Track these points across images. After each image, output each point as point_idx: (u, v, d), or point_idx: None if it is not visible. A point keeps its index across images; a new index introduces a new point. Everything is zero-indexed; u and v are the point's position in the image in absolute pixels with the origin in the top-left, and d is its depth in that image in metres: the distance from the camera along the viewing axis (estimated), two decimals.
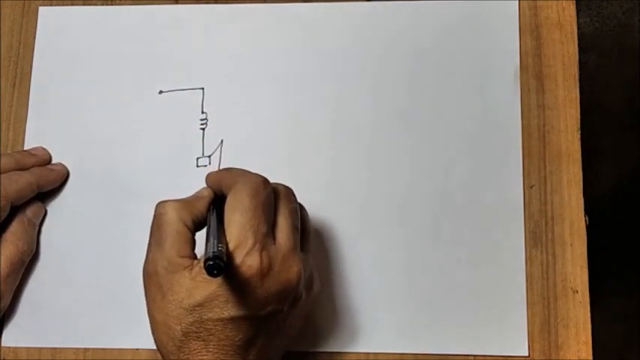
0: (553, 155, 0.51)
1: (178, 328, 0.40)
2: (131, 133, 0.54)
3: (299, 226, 0.44)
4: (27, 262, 0.51)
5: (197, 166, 0.53)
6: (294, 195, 0.45)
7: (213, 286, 0.40)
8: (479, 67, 0.53)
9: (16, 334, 0.51)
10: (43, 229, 0.52)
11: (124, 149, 0.53)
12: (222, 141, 0.53)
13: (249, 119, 0.53)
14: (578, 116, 0.52)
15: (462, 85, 0.53)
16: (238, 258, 0.40)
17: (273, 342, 0.43)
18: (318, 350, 0.49)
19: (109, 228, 0.52)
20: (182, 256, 0.41)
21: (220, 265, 0.37)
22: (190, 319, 0.40)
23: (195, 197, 0.45)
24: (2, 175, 0.49)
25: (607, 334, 1.08)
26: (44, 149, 0.53)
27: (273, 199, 0.43)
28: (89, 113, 0.54)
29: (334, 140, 0.53)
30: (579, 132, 0.52)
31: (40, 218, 0.52)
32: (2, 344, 0.51)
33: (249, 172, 0.44)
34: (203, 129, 0.53)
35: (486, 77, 0.53)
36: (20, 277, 0.50)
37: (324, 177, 0.52)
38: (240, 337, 0.40)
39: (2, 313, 0.50)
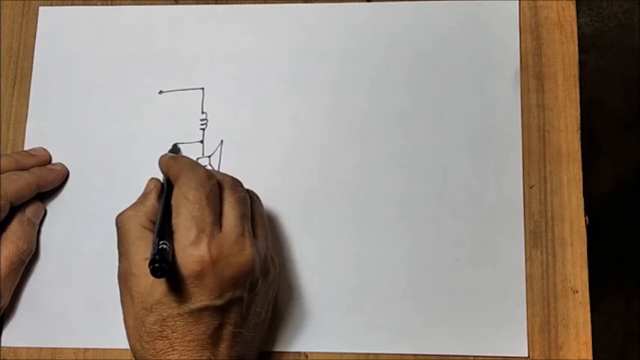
0: (553, 155, 0.51)
1: (143, 329, 0.41)
2: (131, 133, 0.54)
3: (248, 213, 0.45)
4: (27, 262, 0.51)
5: None
6: (241, 185, 0.46)
7: (166, 281, 0.40)
8: (479, 67, 0.53)
9: (16, 334, 0.51)
10: (43, 229, 0.52)
11: (124, 149, 0.53)
12: (222, 141, 0.53)
13: (249, 119, 0.53)
14: (578, 116, 0.52)
15: (462, 85, 0.53)
16: (185, 250, 0.41)
17: (241, 333, 0.43)
18: (318, 351, 0.49)
19: (109, 228, 0.52)
20: (146, 259, 0.42)
21: (163, 266, 0.38)
22: (152, 319, 0.41)
23: (144, 195, 0.47)
24: (2, 176, 0.49)
25: (607, 334, 1.08)
26: (44, 149, 0.53)
27: (219, 190, 0.44)
28: (89, 113, 0.54)
29: (334, 141, 0.53)
30: (579, 132, 0.52)
31: (40, 218, 0.52)
32: (2, 344, 0.51)
33: (195, 163, 0.45)
34: (203, 129, 0.53)
35: (486, 77, 0.53)
36: (20, 277, 0.50)
37: (324, 177, 0.52)
38: (203, 329, 0.41)
39: (2, 313, 0.50)
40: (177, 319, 0.41)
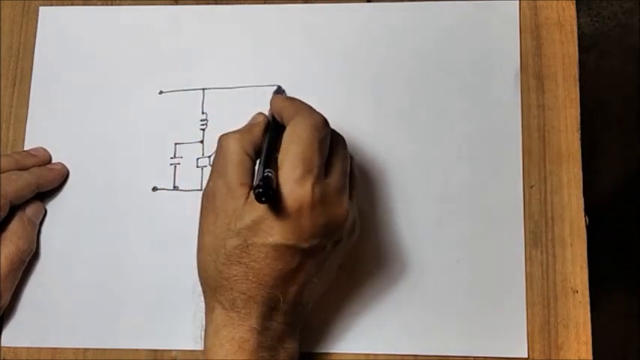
0: (553, 155, 0.51)
1: (223, 251, 0.41)
2: (131, 133, 0.54)
3: (348, 172, 0.45)
4: (27, 262, 0.51)
5: (197, 166, 0.53)
6: (345, 143, 0.46)
7: (261, 209, 0.40)
8: (479, 67, 0.53)
9: (16, 334, 0.51)
10: (43, 228, 0.52)
11: (124, 149, 0.53)
12: None
13: (249, 120, 0.53)
14: (578, 116, 0.52)
15: (463, 85, 0.53)
16: (289, 186, 0.40)
17: (312, 281, 0.43)
18: (318, 351, 0.49)
19: (109, 228, 0.52)
20: (242, 184, 0.42)
21: (268, 192, 0.38)
22: (235, 242, 0.41)
23: (251, 125, 0.46)
24: (2, 175, 0.49)
25: (607, 334, 1.08)
26: (44, 150, 0.53)
27: (330, 141, 0.44)
28: (89, 113, 0.54)
29: None
30: (579, 132, 0.52)
31: (40, 217, 0.52)
32: (2, 344, 0.51)
33: (311, 108, 0.45)
34: (203, 129, 0.53)
35: (486, 77, 0.53)
36: (20, 277, 0.50)
37: None
38: (280, 267, 0.41)
39: (2, 312, 0.50)
40: (260, 248, 0.40)
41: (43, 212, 0.52)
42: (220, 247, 0.41)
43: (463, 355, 0.49)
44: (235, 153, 0.43)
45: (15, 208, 0.50)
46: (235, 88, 0.54)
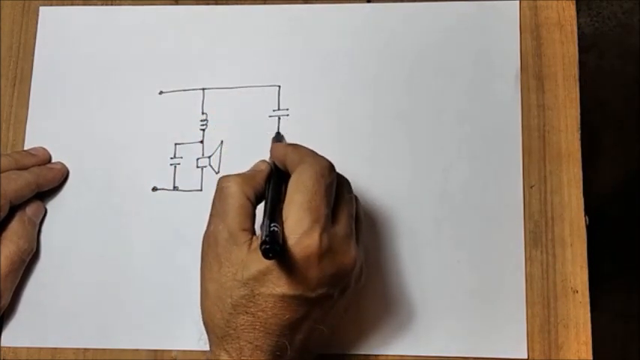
0: (553, 155, 0.51)
1: (229, 300, 0.41)
2: (131, 133, 0.54)
3: (354, 215, 0.44)
4: (27, 261, 0.51)
5: (197, 166, 0.53)
6: (350, 185, 0.45)
7: (268, 261, 0.40)
8: (479, 67, 0.53)
9: (16, 334, 0.51)
10: (43, 228, 0.52)
11: (124, 149, 0.53)
12: (222, 142, 0.53)
13: (248, 120, 0.53)
14: (578, 116, 0.52)
15: (462, 85, 0.53)
16: (295, 237, 0.40)
17: (318, 328, 0.43)
18: (317, 352, 0.49)
19: (109, 228, 0.52)
20: (243, 230, 0.42)
21: (275, 248, 0.38)
22: (242, 292, 0.40)
23: (254, 171, 0.45)
24: (1, 175, 0.49)
25: (607, 334, 1.08)
26: (44, 149, 0.53)
27: (336, 186, 0.43)
28: (89, 113, 0.54)
29: (334, 141, 0.53)
30: (579, 132, 0.52)
31: (40, 217, 0.52)
32: (2, 344, 0.51)
33: (316, 154, 0.44)
34: (203, 130, 0.53)
35: (487, 77, 0.53)
36: (20, 276, 0.50)
37: None
38: (287, 316, 0.41)
39: (2, 312, 0.50)
40: (267, 298, 0.40)
41: (43, 212, 0.52)
42: (227, 296, 0.41)
43: (463, 355, 0.49)
44: (236, 196, 0.42)
45: (15, 208, 0.50)
46: (235, 88, 0.54)
